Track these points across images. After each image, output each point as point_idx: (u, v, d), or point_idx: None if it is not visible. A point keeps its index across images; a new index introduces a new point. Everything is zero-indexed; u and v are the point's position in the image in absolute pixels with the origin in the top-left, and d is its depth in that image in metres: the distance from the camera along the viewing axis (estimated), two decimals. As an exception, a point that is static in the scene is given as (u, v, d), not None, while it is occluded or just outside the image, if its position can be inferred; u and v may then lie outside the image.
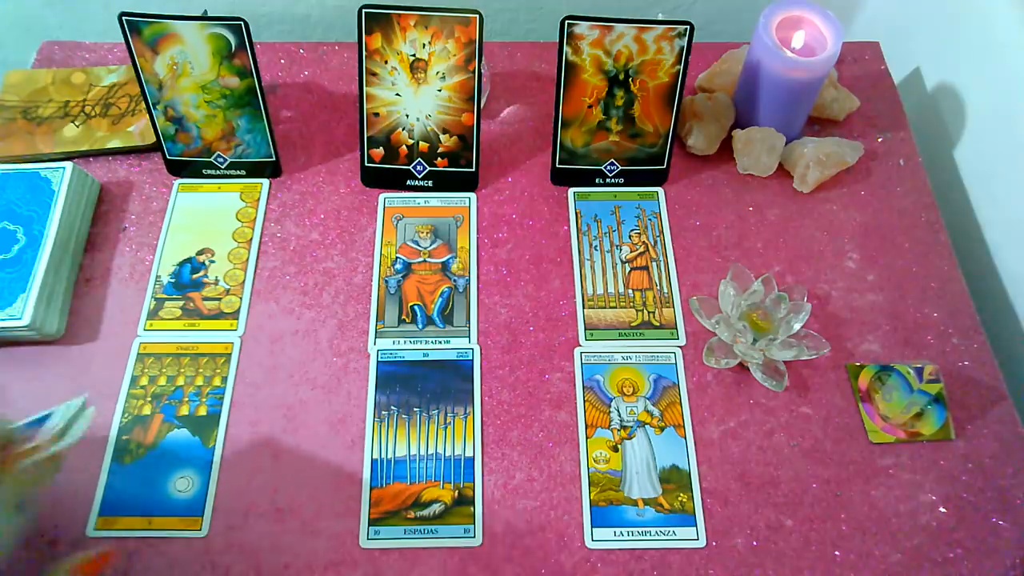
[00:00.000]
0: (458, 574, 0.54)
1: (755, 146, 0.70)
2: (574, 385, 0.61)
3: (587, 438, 0.59)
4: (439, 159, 0.70)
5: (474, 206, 0.70)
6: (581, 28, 0.64)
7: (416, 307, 0.65)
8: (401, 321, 0.64)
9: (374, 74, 0.66)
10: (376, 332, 0.63)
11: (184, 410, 0.59)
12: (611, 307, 0.65)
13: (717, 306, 0.63)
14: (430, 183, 0.71)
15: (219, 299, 0.65)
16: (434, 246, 0.68)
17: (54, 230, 0.63)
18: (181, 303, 0.64)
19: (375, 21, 0.63)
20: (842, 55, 0.80)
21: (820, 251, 0.68)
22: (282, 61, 0.79)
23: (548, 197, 0.71)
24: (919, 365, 0.57)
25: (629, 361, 0.62)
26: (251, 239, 0.68)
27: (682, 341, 0.64)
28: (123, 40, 0.63)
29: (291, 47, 0.81)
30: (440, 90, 0.66)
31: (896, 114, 0.77)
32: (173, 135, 0.69)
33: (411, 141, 0.69)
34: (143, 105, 0.71)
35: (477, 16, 0.63)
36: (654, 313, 0.65)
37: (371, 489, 0.57)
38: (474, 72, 0.65)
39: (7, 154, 0.69)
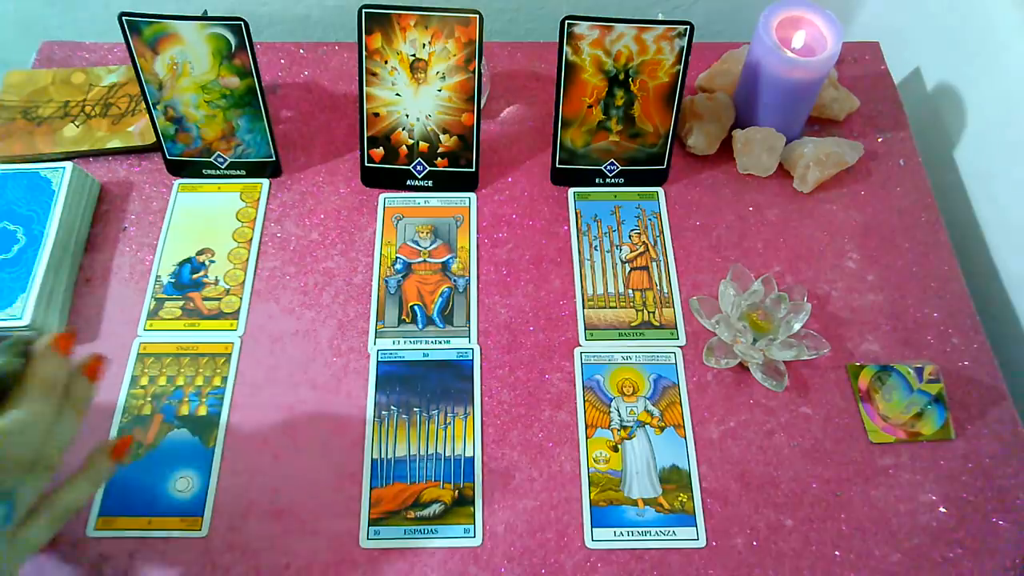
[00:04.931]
0: (458, 574, 0.54)
1: (755, 146, 0.70)
2: (574, 385, 0.61)
3: (587, 438, 0.59)
4: (439, 159, 0.70)
5: (474, 206, 0.70)
6: (581, 28, 0.64)
7: (416, 307, 0.65)
8: (401, 321, 0.64)
9: (374, 74, 0.66)
10: (376, 332, 0.63)
11: (184, 410, 0.59)
12: (611, 307, 0.65)
13: (717, 306, 0.63)
14: (430, 183, 0.71)
15: (219, 299, 0.65)
16: (434, 246, 0.68)
17: (54, 230, 0.63)
18: (181, 303, 0.64)
19: (375, 21, 0.63)
20: (842, 55, 0.80)
21: (820, 251, 0.68)
22: (282, 61, 0.79)
23: (548, 197, 0.71)
24: (919, 365, 0.57)
25: (629, 361, 0.62)
26: (251, 239, 0.68)
27: (682, 341, 0.64)
28: (123, 40, 0.63)
29: (291, 47, 0.81)
30: (440, 90, 0.66)
31: (896, 114, 0.77)
32: (173, 135, 0.69)
33: (411, 141, 0.69)
34: (143, 105, 0.72)
35: (477, 16, 0.63)
36: (654, 313, 0.65)
37: (371, 489, 0.57)
38: (474, 72, 0.65)
39: (7, 154, 0.69)
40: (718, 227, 0.70)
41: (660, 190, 0.72)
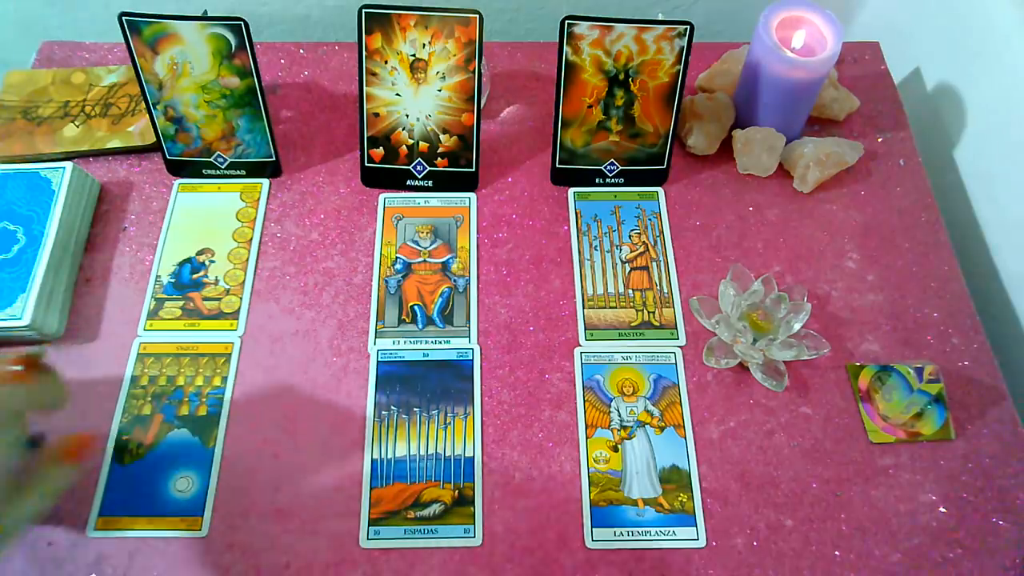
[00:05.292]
0: (458, 574, 0.54)
1: (755, 146, 0.70)
2: (574, 385, 0.61)
3: (587, 438, 0.59)
4: (439, 159, 0.70)
5: (474, 206, 0.70)
6: (581, 28, 0.64)
7: (416, 307, 0.65)
8: (401, 321, 0.64)
9: (374, 74, 0.66)
10: (376, 332, 0.63)
11: (184, 410, 0.59)
12: (611, 307, 0.65)
13: (717, 306, 0.63)
14: (430, 183, 0.71)
15: (219, 299, 0.65)
16: (434, 246, 0.68)
17: (54, 230, 0.63)
18: (181, 303, 0.64)
19: (375, 21, 0.63)
20: (842, 55, 0.80)
21: (820, 251, 0.68)
22: (282, 61, 0.79)
23: (548, 197, 0.71)
24: (919, 365, 0.57)
25: (629, 361, 0.62)
26: (251, 239, 0.68)
27: (682, 341, 0.64)
28: (123, 40, 0.63)
29: (291, 47, 0.81)
30: (440, 90, 0.66)
31: (896, 114, 0.77)
32: (173, 135, 0.69)
33: (411, 141, 0.69)
34: (143, 105, 0.72)
35: (477, 16, 0.63)
36: (654, 313, 0.65)
37: (371, 489, 0.57)
38: (474, 72, 0.65)
39: (7, 154, 0.69)
40: (718, 227, 0.70)
41: (660, 190, 0.72)
